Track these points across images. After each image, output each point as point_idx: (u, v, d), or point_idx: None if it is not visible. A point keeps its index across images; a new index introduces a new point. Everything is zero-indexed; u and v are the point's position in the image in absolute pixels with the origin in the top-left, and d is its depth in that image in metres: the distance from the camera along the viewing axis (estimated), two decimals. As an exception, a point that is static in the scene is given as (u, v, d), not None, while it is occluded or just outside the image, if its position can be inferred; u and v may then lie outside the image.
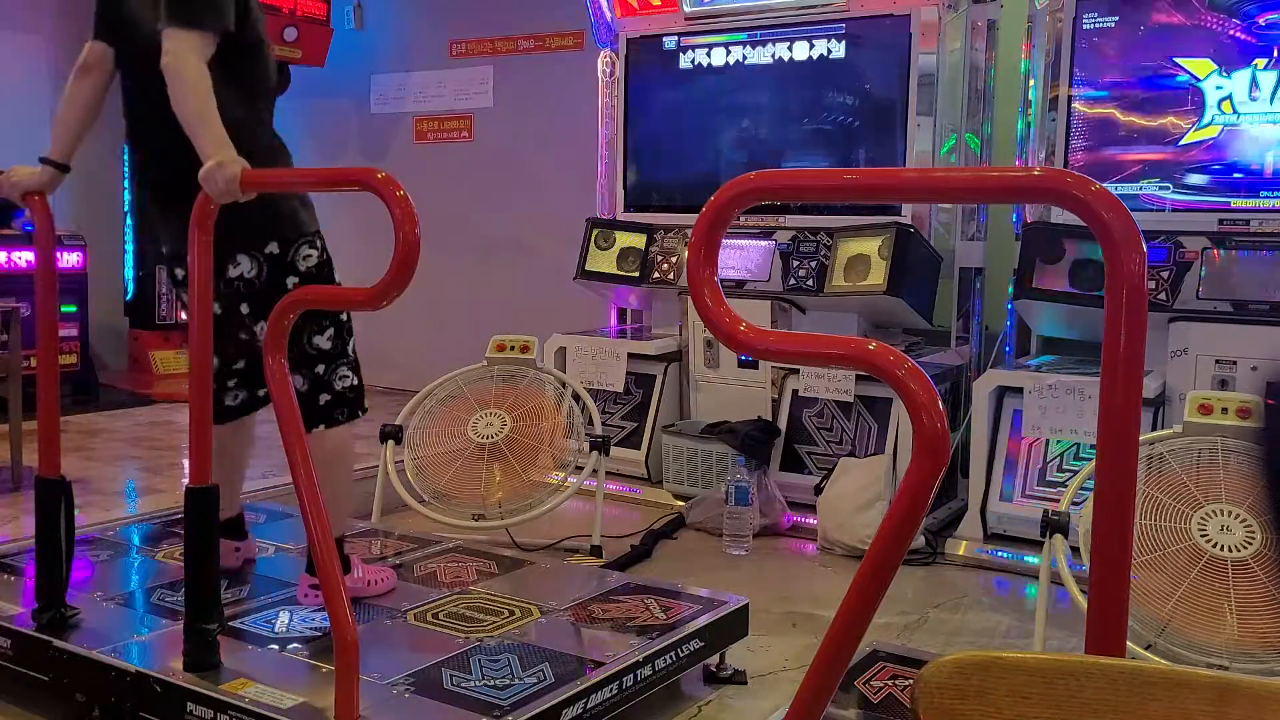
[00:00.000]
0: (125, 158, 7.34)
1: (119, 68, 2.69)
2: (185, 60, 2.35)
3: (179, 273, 2.71)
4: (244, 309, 2.60)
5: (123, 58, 2.67)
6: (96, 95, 2.70)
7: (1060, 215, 3.88)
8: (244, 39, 2.54)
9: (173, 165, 2.43)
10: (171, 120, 2.36)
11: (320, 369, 2.65)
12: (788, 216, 4.52)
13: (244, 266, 2.55)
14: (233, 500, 2.95)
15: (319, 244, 2.66)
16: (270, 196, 2.48)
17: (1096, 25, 3.93)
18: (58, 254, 2.83)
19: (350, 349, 2.71)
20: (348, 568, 2.72)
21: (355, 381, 2.72)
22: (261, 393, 2.80)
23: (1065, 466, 3.73)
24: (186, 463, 3.30)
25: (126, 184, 7.42)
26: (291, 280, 2.58)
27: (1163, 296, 3.67)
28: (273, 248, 2.57)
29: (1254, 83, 3.67)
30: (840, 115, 4.47)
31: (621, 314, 5.37)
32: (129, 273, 7.47)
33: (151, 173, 2.71)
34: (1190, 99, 3.77)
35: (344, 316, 2.68)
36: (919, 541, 3.74)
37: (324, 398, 2.66)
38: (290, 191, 2.63)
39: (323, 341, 2.63)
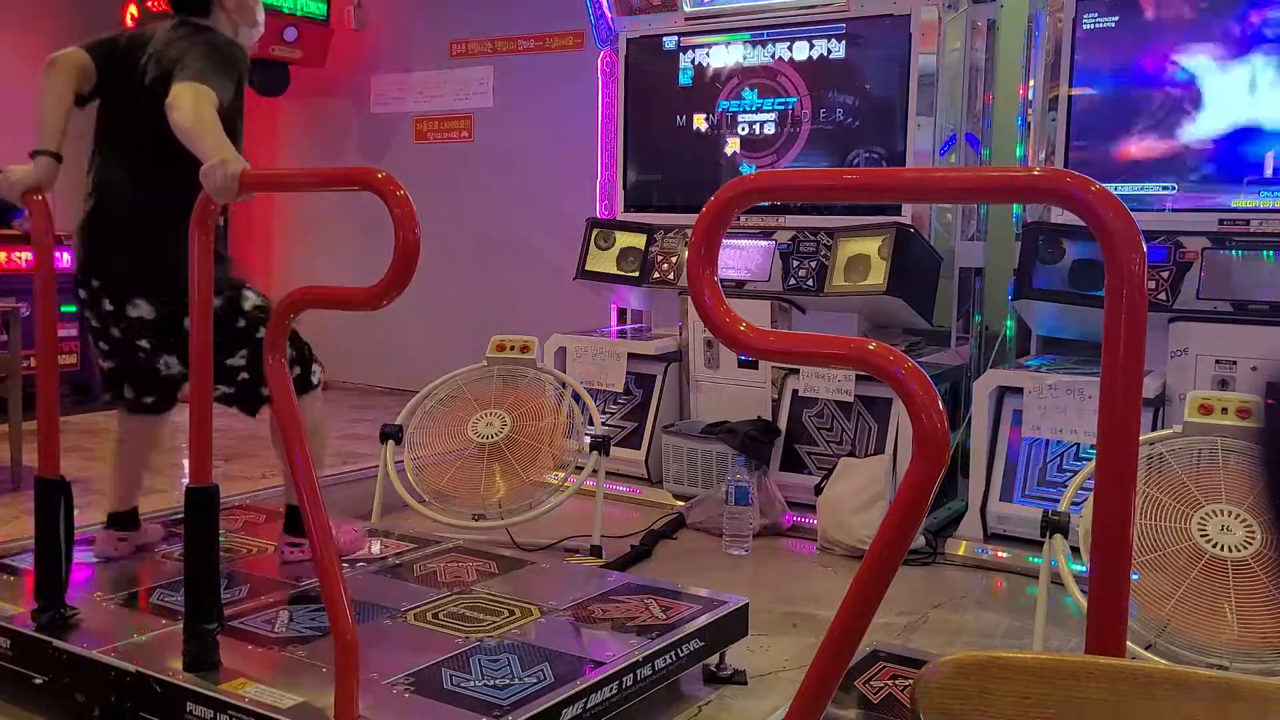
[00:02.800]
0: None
1: (107, 103, 2.92)
2: (193, 97, 2.51)
3: (121, 307, 2.86)
4: (142, 344, 2.89)
5: (108, 94, 2.90)
6: (70, 91, 2.82)
7: (1060, 215, 3.88)
8: (238, 114, 2.80)
9: (130, 205, 2.81)
10: (141, 175, 2.74)
11: (244, 377, 2.89)
12: (788, 216, 4.52)
13: (142, 309, 2.82)
14: (132, 493, 3.19)
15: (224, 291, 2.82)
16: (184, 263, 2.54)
17: (1096, 25, 3.93)
18: (58, 254, 2.82)
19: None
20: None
21: (295, 374, 2.90)
22: (149, 400, 3.10)
23: (1065, 466, 3.73)
24: (186, 463, 3.30)
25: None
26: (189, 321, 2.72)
27: (1163, 296, 3.67)
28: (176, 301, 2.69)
29: (1254, 82, 3.67)
30: (840, 115, 4.48)
31: (621, 314, 5.37)
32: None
33: (109, 205, 2.89)
34: (1190, 98, 3.77)
35: (259, 334, 2.78)
36: (919, 541, 3.74)
37: (264, 389, 2.85)
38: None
39: (236, 361, 2.86)
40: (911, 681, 0.91)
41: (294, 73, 7.02)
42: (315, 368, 3.03)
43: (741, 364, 4.48)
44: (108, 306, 2.88)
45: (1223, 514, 2.67)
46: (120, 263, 2.84)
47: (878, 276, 4.10)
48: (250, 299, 2.91)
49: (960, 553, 3.79)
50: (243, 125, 2.87)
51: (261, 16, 3.06)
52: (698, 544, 3.97)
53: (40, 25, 7.20)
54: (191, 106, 2.50)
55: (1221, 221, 3.73)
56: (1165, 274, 3.69)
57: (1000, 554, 3.73)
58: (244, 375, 2.89)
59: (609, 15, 5.05)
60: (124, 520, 3.16)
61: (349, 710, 1.97)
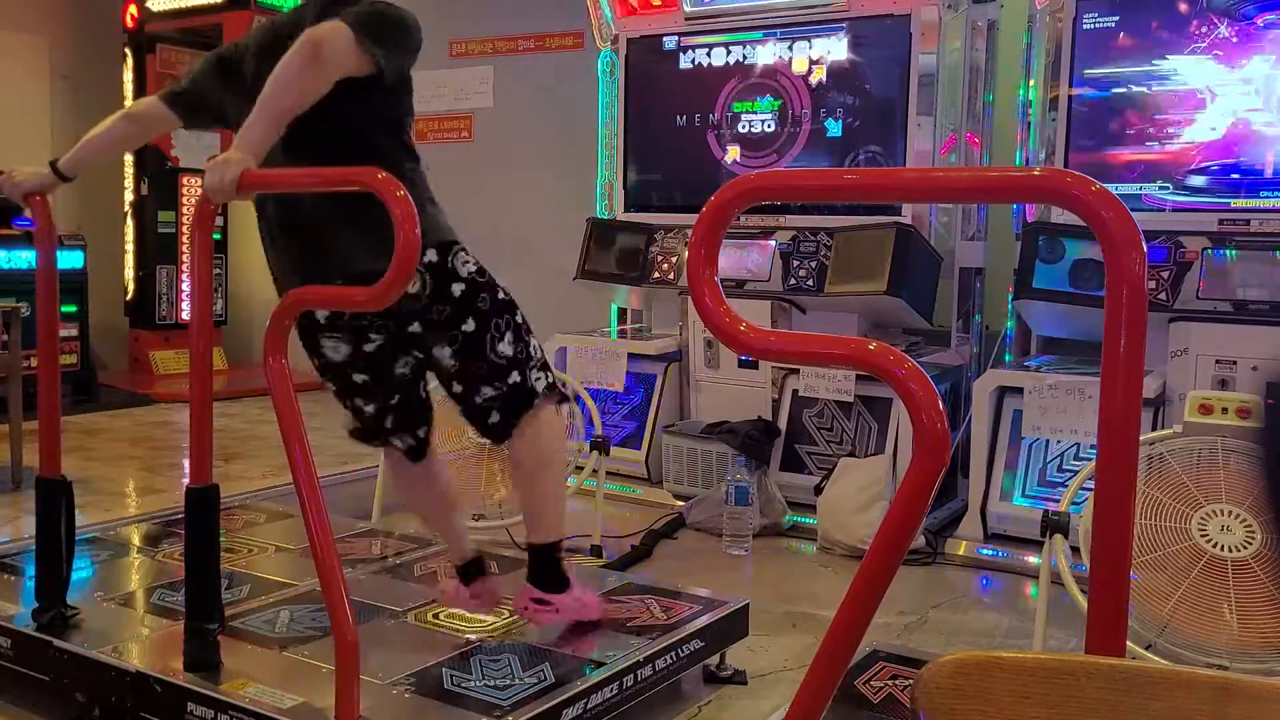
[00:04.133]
0: (129, 169, 7.35)
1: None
2: (331, 46, 2.12)
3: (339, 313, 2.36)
4: (413, 328, 2.36)
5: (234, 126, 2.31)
6: (135, 142, 2.73)
7: (1060, 215, 3.88)
8: (409, 86, 2.48)
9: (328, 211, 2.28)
10: (333, 141, 2.21)
11: (515, 378, 2.40)
12: (788, 216, 4.52)
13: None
14: (460, 542, 2.68)
15: (470, 253, 2.46)
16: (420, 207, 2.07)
17: (1096, 25, 3.93)
18: (58, 254, 2.82)
19: (534, 350, 2.45)
20: (565, 585, 2.51)
21: (550, 379, 2.47)
22: (421, 433, 2.55)
23: (1065, 466, 3.73)
24: (186, 463, 3.30)
25: (127, 185, 7.42)
26: (458, 287, 2.35)
27: (1163, 296, 3.67)
28: (431, 255, 2.33)
29: (1254, 83, 3.67)
30: (840, 115, 4.47)
31: (621, 314, 5.37)
32: (129, 273, 7.47)
33: (306, 222, 2.35)
34: (1190, 99, 3.77)
35: (519, 319, 2.43)
36: (919, 541, 3.74)
37: (531, 400, 2.43)
38: (434, 205, 2.45)
39: (505, 348, 2.39)
40: (911, 681, 0.91)
41: (294, 73, 7.01)
42: (564, 383, 2.56)
43: (741, 364, 4.48)
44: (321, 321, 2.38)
45: (1223, 514, 2.67)
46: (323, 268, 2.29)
47: (878, 276, 4.10)
48: (469, 262, 2.43)
49: (960, 553, 3.79)
50: (411, 128, 2.52)
51: None
52: (698, 544, 3.97)
53: (40, 25, 7.20)
54: (317, 55, 2.09)
55: (1221, 221, 3.73)
56: (1165, 274, 3.69)
57: (1000, 554, 3.73)
58: (515, 375, 2.40)
59: (609, 15, 5.05)
60: (468, 571, 2.66)
61: (349, 710, 1.97)
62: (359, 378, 2.42)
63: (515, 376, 2.39)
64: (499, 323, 2.38)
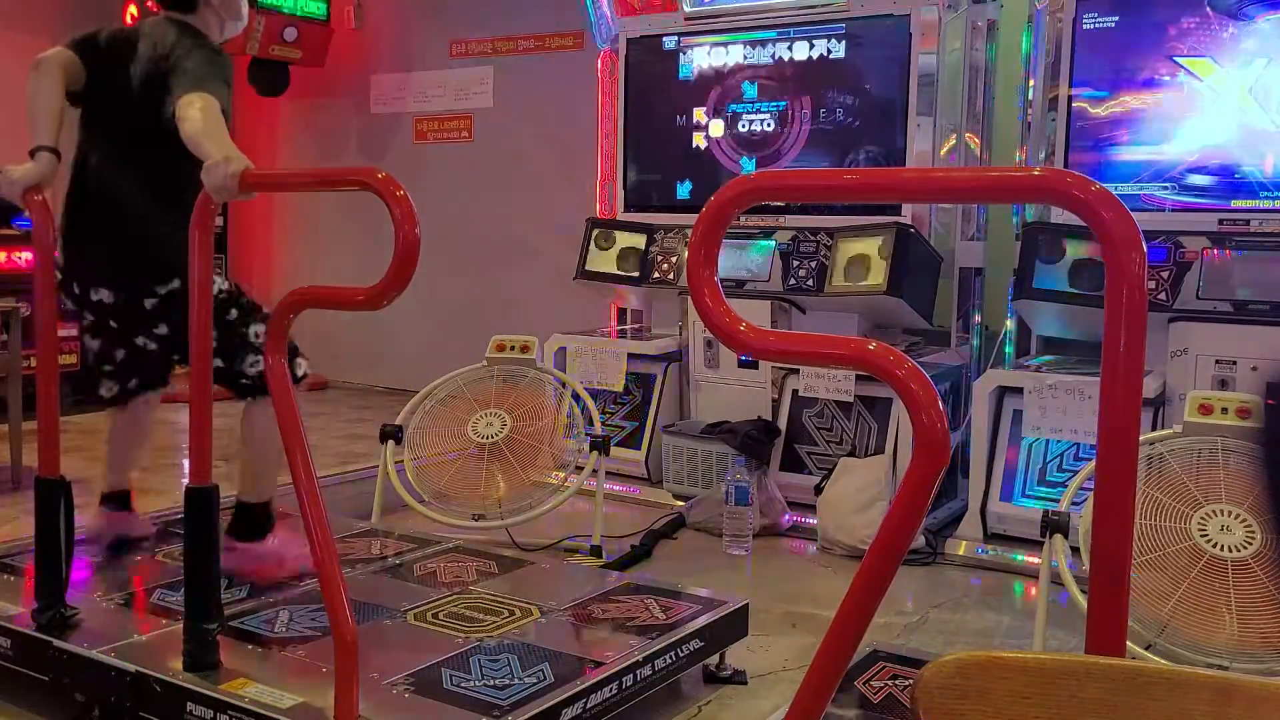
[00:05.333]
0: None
1: (94, 100, 2.91)
2: (198, 107, 2.57)
3: (86, 293, 2.94)
4: (114, 324, 2.94)
5: (91, 92, 2.89)
6: (60, 88, 2.81)
7: (1060, 215, 3.88)
8: (226, 114, 2.80)
9: (114, 201, 2.84)
10: (122, 166, 2.79)
11: (218, 364, 2.77)
12: (788, 216, 4.52)
13: (102, 295, 2.88)
14: (123, 473, 3.30)
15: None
16: (176, 239, 2.57)
17: (1096, 25, 3.93)
18: (57, 254, 2.82)
19: (253, 336, 2.92)
20: (262, 536, 3.06)
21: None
22: (132, 384, 3.13)
23: (1065, 466, 3.73)
24: (186, 463, 3.30)
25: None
26: (150, 302, 2.87)
27: (1163, 296, 3.66)
28: (175, 284, 2.80)
29: (1254, 83, 3.67)
30: (840, 115, 4.47)
31: (621, 314, 5.37)
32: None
33: (90, 207, 2.92)
34: (1190, 99, 3.77)
35: (231, 315, 2.89)
36: (919, 541, 3.74)
37: (243, 381, 2.95)
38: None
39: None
40: (911, 681, 0.91)
41: (294, 73, 7.02)
42: (300, 360, 2.99)
43: (741, 364, 4.47)
44: (76, 292, 2.96)
45: (1223, 514, 2.67)
46: (99, 251, 2.91)
47: (878, 276, 4.10)
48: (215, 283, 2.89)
49: (960, 553, 3.79)
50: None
51: (245, 9, 3.09)
52: (698, 544, 3.97)
53: (40, 25, 7.20)
54: (200, 114, 2.56)
55: (1221, 221, 3.73)
56: (1165, 274, 3.69)
57: (1000, 554, 3.73)
58: (218, 361, 2.80)
59: (609, 15, 5.05)
60: (118, 500, 3.26)
61: (349, 710, 1.97)
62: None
63: (218, 362, 2.78)
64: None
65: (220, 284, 2.88)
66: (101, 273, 2.90)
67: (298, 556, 2.95)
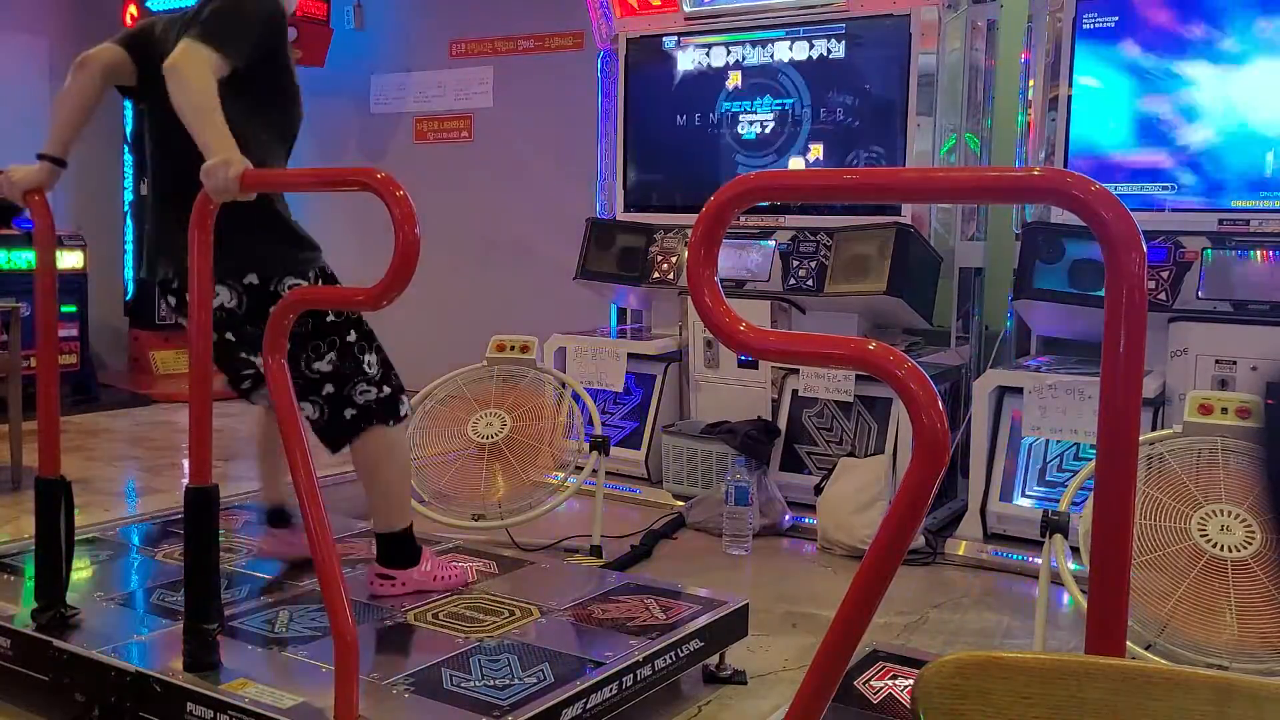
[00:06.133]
0: (129, 169, 7.35)
1: (141, 96, 2.73)
2: (191, 63, 2.33)
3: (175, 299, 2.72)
4: (228, 337, 2.61)
5: (146, 85, 2.66)
6: (96, 92, 2.68)
7: (1060, 215, 3.88)
8: (281, 82, 2.63)
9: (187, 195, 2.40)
10: (185, 151, 2.32)
11: (329, 390, 2.65)
12: (788, 216, 4.52)
13: (222, 296, 2.56)
14: (272, 486, 3.02)
15: (313, 277, 2.66)
16: (249, 234, 2.51)
17: (1096, 25, 3.93)
18: (58, 254, 2.82)
19: (366, 365, 2.68)
20: (416, 560, 2.80)
21: (381, 394, 2.70)
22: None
23: (1065, 466, 3.73)
24: (186, 463, 3.30)
25: (128, 185, 7.43)
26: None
27: (1163, 296, 3.67)
28: (251, 279, 2.58)
29: (1254, 82, 3.67)
30: (840, 115, 4.47)
31: (621, 314, 5.37)
32: (129, 273, 7.47)
33: (166, 200, 2.67)
34: (1190, 98, 3.77)
35: (350, 337, 2.66)
36: (919, 541, 3.74)
37: (348, 412, 2.67)
38: (279, 233, 2.64)
39: (323, 365, 2.63)
40: (911, 681, 0.90)
41: (294, 73, 7.01)
42: (404, 398, 2.79)
43: (741, 364, 4.47)
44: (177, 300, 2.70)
45: (1223, 514, 2.67)
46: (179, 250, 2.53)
47: (878, 276, 4.10)
48: (299, 287, 2.65)
49: (960, 553, 3.79)
50: (294, 92, 2.68)
51: None
52: (698, 544, 3.97)
53: (41, 26, 7.20)
54: (188, 76, 2.31)
55: (1221, 221, 3.73)
56: (1165, 274, 3.69)
57: (1000, 554, 3.73)
58: (329, 388, 2.65)
59: (609, 15, 5.05)
60: (275, 517, 3.05)
61: (349, 710, 1.97)
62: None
63: (329, 389, 2.64)
64: (318, 344, 2.62)
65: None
66: (175, 273, 2.64)
67: (456, 573, 2.88)
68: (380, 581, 2.78)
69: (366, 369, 2.68)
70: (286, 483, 2.89)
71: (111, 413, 6.31)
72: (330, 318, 2.63)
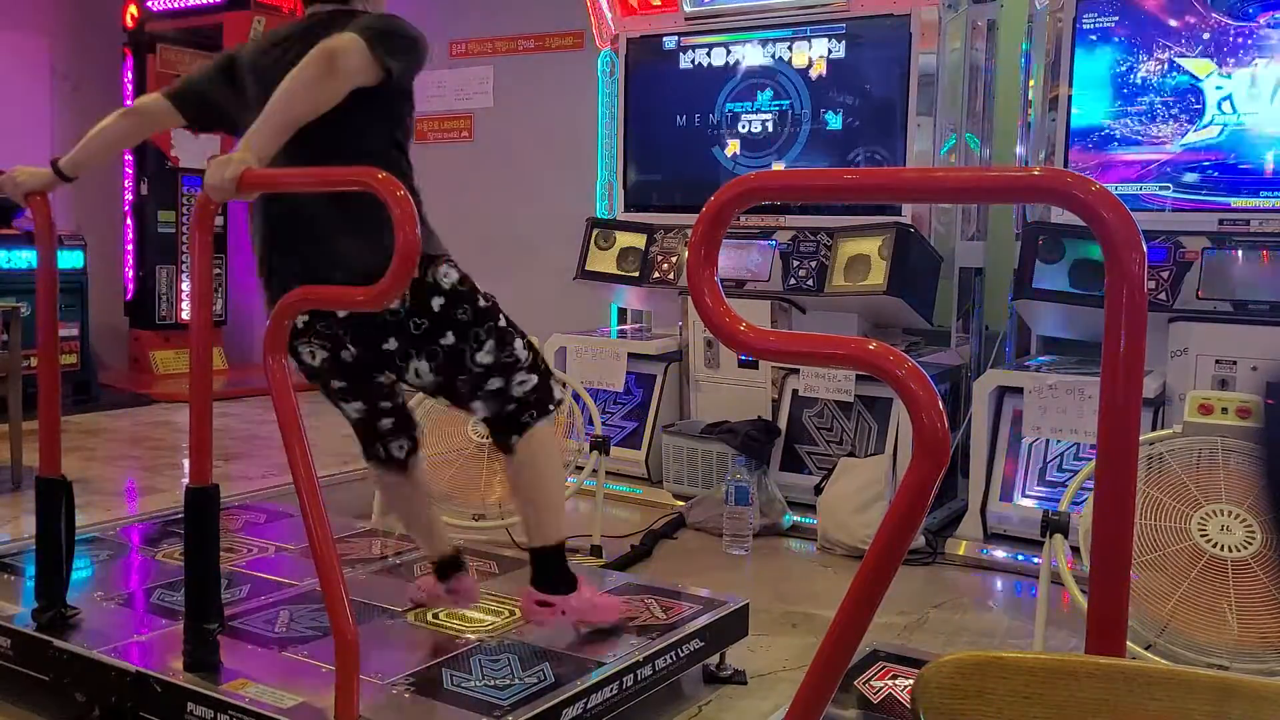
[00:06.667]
0: (129, 169, 7.35)
1: (240, 123, 2.43)
2: (350, 53, 2.15)
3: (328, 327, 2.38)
4: (387, 345, 2.38)
5: (238, 131, 2.35)
6: (137, 136, 2.68)
7: (1060, 215, 3.88)
8: (412, 105, 2.53)
9: (307, 220, 2.29)
10: (341, 147, 2.21)
11: (496, 384, 2.43)
12: (788, 216, 4.52)
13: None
14: (437, 538, 2.72)
15: (455, 264, 2.45)
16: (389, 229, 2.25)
17: (1096, 25, 3.93)
18: (58, 254, 2.82)
19: (521, 350, 2.47)
20: (573, 586, 2.53)
21: (536, 381, 2.47)
22: (402, 447, 2.62)
23: (1065, 466, 3.73)
24: (186, 463, 3.30)
25: (128, 185, 7.42)
26: (437, 301, 2.36)
27: (1163, 296, 3.67)
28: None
29: (1254, 83, 3.67)
30: (840, 115, 4.47)
31: (621, 314, 5.37)
32: (129, 273, 7.47)
33: (302, 229, 2.37)
34: (1190, 99, 3.77)
35: (502, 322, 2.45)
36: (919, 541, 3.74)
37: (509, 408, 2.46)
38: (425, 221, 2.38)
39: (485, 357, 2.41)
40: (911, 681, 0.91)
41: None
42: (554, 382, 2.55)
43: (741, 364, 4.47)
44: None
45: (1223, 514, 2.67)
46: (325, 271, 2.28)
47: (878, 276, 4.10)
48: (450, 273, 2.42)
49: (960, 553, 3.79)
50: (408, 143, 2.55)
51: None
52: (698, 544, 3.97)
53: (41, 26, 7.20)
54: (339, 64, 2.12)
55: (1221, 221, 3.73)
56: (1165, 274, 3.69)
57: (1000, 554, 3.73)
58: (496, 382, 2.41)
59: (609, 15, 5.05)
60: (444, 568, 2.72)
61: (349, 710, 1.97)
62: (336, 384, 2.49)
63: (497, 382, 2.42)
64: (478, 332, 2.41)
65: (480, 287, 2.48)
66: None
67: (609, 603, 2.64)
68: (539, 610, 2.49)
69: (520, 355, 2.47)
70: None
71: (111, 413, 6.31)
72: (482, 302, 2.43)
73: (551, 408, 2.52)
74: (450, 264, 2.43)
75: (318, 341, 2.40)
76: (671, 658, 2.51)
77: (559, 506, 2.57)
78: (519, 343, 2.49)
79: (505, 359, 2.43)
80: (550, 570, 2.52)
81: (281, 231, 2.40)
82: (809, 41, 4.53)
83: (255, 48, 2.49)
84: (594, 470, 3.84)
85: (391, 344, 2.37)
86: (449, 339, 2.37)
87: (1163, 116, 3.82)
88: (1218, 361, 3.58)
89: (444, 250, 2.45)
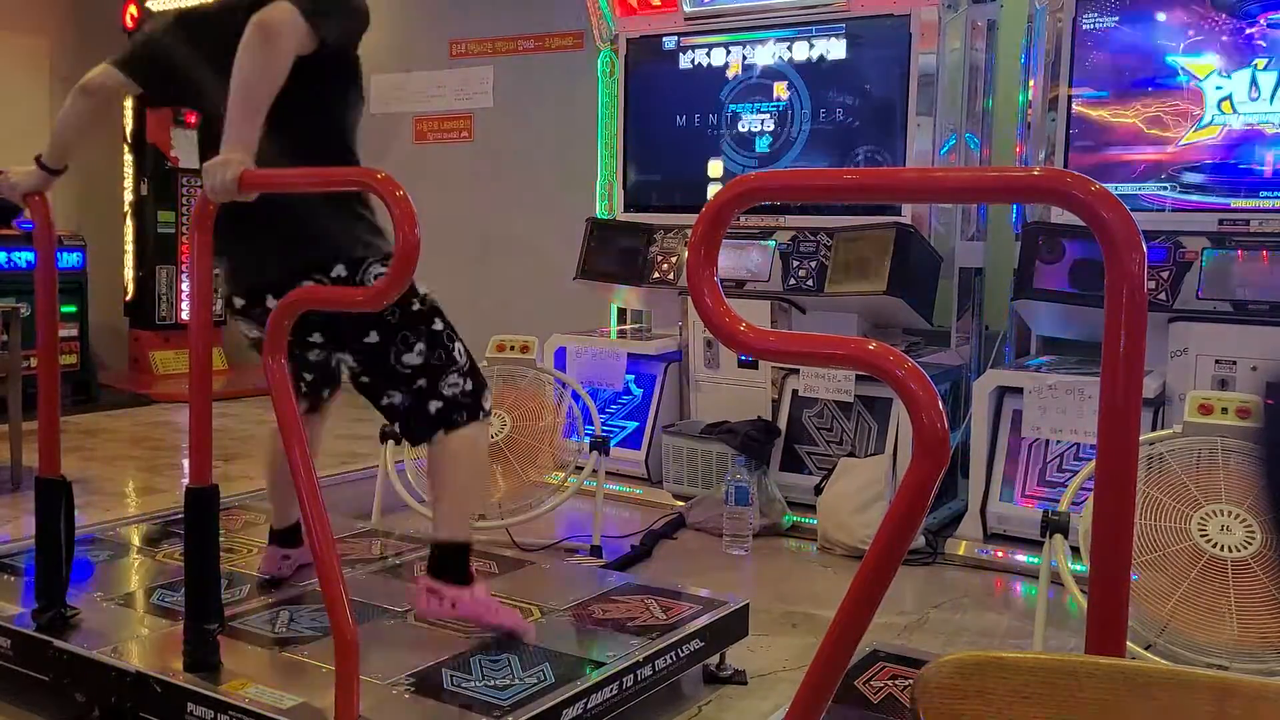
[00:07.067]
0: (129, 169, 7.35)
1: (193, 105, 2.62)
2: (282, 24, 2.15)
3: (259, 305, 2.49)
4: (313, 337, 2.48)
5: (191, 96, 2.54)
6: (99, 116, 2.64)
7: (1060, 215, 3.88)
8: (357, 69, 2.51)
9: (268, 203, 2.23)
10: (265, 157, 2.16)
11: (422, 383, 2.49)
12: (788, 216, 4.52)
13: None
14: (287, 510, 2.84)
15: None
16: (334, 223, 2.42)
17: (1096, 25, 3.93)
18: (58, 254, 2.81)
19: (458, 355, 2.54)
20: (466, 584, 2.52)
21: (468, 386, 2.54)
22: (325, 393, 2.78)
23: (1065, 466, 3.73)
24: (186, 463, 3.30)
25: (128, 185, 7.43)
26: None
27: (1163, 296, 3.66)
28: (340, 270, 2.43)
29: (1254, 83, 3.67)
30: (840, 115, 4.47)
31: (621, 314, 5.37)
32: (129, 273, 7.47)
33: (245, 210, 2.29)
34: (1190, 99, 3.77)
35: (436, 325, 2.51)
36: (919, 541, 3.74)
37: (434, 405, 2.50)
38: (360, 224, 2.49)
39: (413, 358, 2.47)
40: (911, 681, 0.91)
41: (294, 73, 7.01)
42: (487, 393, 2.61)
43: (741, 364, 4.47)
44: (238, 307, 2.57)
45: (1223, 514, 2.67)
46: (255, 257, 2.47)
47: (878, 276, 4.10)
48: (422, 287, 2.51)
49: (960, 553, 3.79)
50: (359, 105, 2.53)
51: None
52: (698, 544, 3.97)
53: (41, 26, 7.20)
54: (273, 41, 2.12)
55: (1221, 221, 3.72)
56: (1165, 274, 3.69)
57: (1000, 554, 3.73)
58: (421, 382, 2.49)
59: (609, 15, 5.05)
60: (285, 537, 2.88)
61: (349, 710, 1.97)
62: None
63: (421, 383, 2.49)
64: (406, 334, 2.47)
65: (421, 290, 2.51)
66: (261, 278, 2.48)
67: (515, 618, 2.59)
68: (429, 597, 2.51)
69: (457, 358, 2.53)
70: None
71: (111, 413, 6.31)
72: (416, 305, 2.47)
73: (481, 415, 2.58)
74: (385, 264, 2.45)
75: (253, 323, 2.55)
76: (671, 658, 2.51)
77: (472, 506, 2.67)
78: (457, 347, 2.55)
79: (435, 362, 2.50)
80: (449, 562, 2.53)
81: (235, 220, 2.41)
82: (809, 41, 4.53)
83: (204, 9, 2.52)
84: (594, 470, 3.84)
85: (317, 337, 2.49)
86: (373, 338, 2.45)
87: (1162, 116, 3.82)
88: (1218, 361, 3.58)
89: (384, 251, 2.49)
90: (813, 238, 4.35)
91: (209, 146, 2.37)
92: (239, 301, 2.56)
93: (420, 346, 2.48)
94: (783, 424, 4.31)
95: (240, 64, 2.14)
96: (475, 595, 2.52)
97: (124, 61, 2.56)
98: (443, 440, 2.51)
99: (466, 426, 2.52)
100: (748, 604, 2.80)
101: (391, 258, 2.35)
